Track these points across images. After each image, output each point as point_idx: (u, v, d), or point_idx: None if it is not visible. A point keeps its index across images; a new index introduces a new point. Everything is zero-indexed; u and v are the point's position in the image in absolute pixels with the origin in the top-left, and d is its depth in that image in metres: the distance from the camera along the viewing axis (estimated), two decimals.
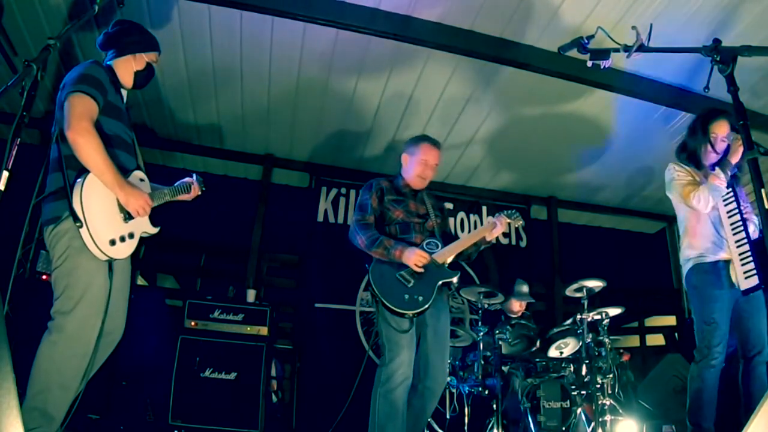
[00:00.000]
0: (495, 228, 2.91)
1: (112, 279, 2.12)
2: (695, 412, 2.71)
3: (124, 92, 2.37)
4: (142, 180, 2.29)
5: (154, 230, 2.33)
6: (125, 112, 2.32)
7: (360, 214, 2.87)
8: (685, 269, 2.96)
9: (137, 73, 2.36)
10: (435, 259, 2.73)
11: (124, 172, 2.17)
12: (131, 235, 2.19)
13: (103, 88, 2.14)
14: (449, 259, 2.79)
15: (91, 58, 2.36)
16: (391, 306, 2.62)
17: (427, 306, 2.63)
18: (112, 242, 2.10)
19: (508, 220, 3.00)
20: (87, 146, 2.01)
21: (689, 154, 2.97)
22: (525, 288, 4.49)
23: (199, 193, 2.58)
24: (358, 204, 2.94)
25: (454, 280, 2.76)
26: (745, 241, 2.67)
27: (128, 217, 2.17)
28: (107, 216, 2.11)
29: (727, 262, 2.77)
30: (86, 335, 2.05)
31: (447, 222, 3.14)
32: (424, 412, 2.74)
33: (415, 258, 2.67)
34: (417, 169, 2.94)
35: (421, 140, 3.01)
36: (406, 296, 2.64)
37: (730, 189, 2.78)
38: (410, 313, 2.61)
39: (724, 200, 2.80)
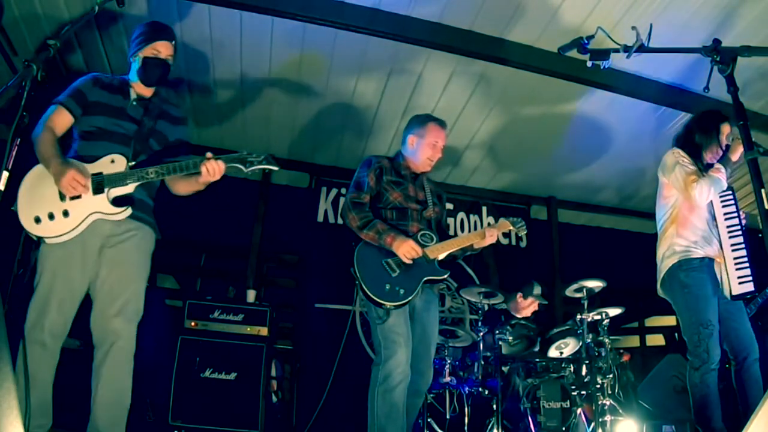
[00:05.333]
0: (485, 238, 2.81)
1: (53, 262, 2.18)
2: (705, 416, 2.66)
3: (133, 92, 2.46)
4: (112, 162, 2.28)
5: (115, 210, 2.23)
6: (120, 108, 2.40)
7: (355, 191, 2.73)
8: (668, 262, 2.82)
9: (138, 72, 2.44)
10: (427, 253, 2.64)
11: (96, 158, 2.26)
12: (65, 213, 2.17)
13: (76, 93, 2.34)
14: (441, 256, 2.70)
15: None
16: (369, 292, 2.51)
17: (407, 300, 2.53)
18: (37, 219, 2.16)
19: (510, 227, 2.93)
20: (37, 143, 2.21)
21: (693, 149, 2.90)
22: (539, 290, 4.49)
23: (219, 166, 2.29)
24: (355, 181, 2.79)
25: (443, 278, 2.68)
26: (743, 245, 2.64)
27: (65, 196, 2.18)
28: (38, 196, 2.18)
29: (712, 260, 2.75)
30: (39, 322, 2.14)
31: (444, 211, 3.03)
32: (413, 409, 2.69)
33: (405, 248, 2.55)
34: (426, 152, 2.83)
35: (428, 120, 2.89)
36: (387, 286, 2.52)
37: (730, 190, 2.77)
38: (388, 304, 2.50)
39: (722, 200, 2.76)
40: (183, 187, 2.47)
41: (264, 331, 3.85)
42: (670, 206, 2.90)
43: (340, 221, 5.37)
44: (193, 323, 3.76)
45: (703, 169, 2.81)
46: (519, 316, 4.42)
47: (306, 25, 3.60)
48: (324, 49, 3.90)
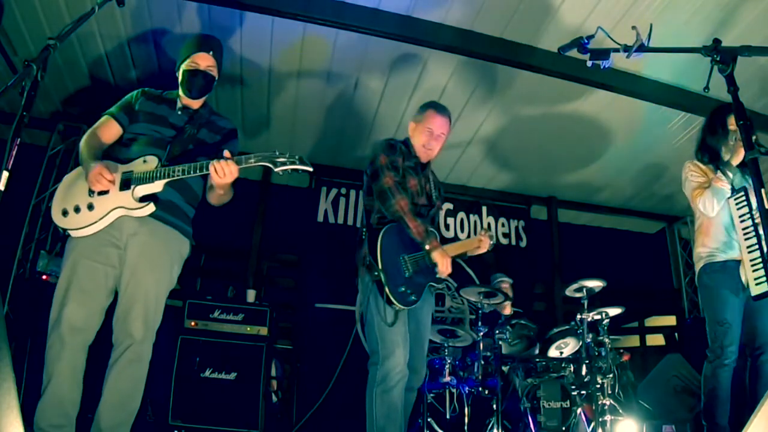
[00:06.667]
0: (478, 249, 2.88)
1: (75, 254, 2.18)
2: (710, 411, 2.74)
3: (179, 102, 2.52)
4: (144, 162, 2.29)
5: (138, 205, 2.21)
6: (162, 117, 2.45)
7: (394, 174, 2.65)
8: (696, 267, 2.99)
9: (180, 85, 2.51)
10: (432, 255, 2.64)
11: (131, 160, 2.30)
12: (90, 206, 2.21)
13: (126, 104, 2.46)
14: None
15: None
16: (387, 287, 2.45)
17: (413, 306, 2.56)
18: (64, 212, 2.23)
19: (490, 242, 2.95)
20: (80, 146, 2.36)
21: (711, 154, 2.96)
22: (497, 275, 4.52)
23: (229, 167, 2.14)
24: (390, 163, 2.68)
25: (440, 285, 2.72)
26: (757, 246, 2.66)
27: (93, 191, 2.23)
28: (71, 192, 2.27)
29: (738, 262, 2.78)
30: (60, 315, 2.10)
31: (440, 206, 3.03)
32: (407, 404, 2.68)
33: (445, 265, 2.56)
34: (422, 138, 2.78)
35: (427, 107, 2.85)
36: (402, 288, 2.50)
37: (742, 192, 2.78)
38: (399, 306, 2.49)
39: (737, 203, 2.79)
40: (212, 197, 2.44)
41: (264, 331, 3.85)
42: (697, 217, 3.04)
43: (340, 221, 5.37)
44: (193, 323, 3.75)
45: (722, 168, 2.88)
46: (508, 311, 4.41)
47: (306, 25, 3.60)
48: (324, 49, 3.91)
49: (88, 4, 3.36)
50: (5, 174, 1.51)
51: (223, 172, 2.14)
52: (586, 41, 1.97)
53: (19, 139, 1.57)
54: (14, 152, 1.55)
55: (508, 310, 4.48)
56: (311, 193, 5.44)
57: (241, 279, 5.04)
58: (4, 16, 3.44)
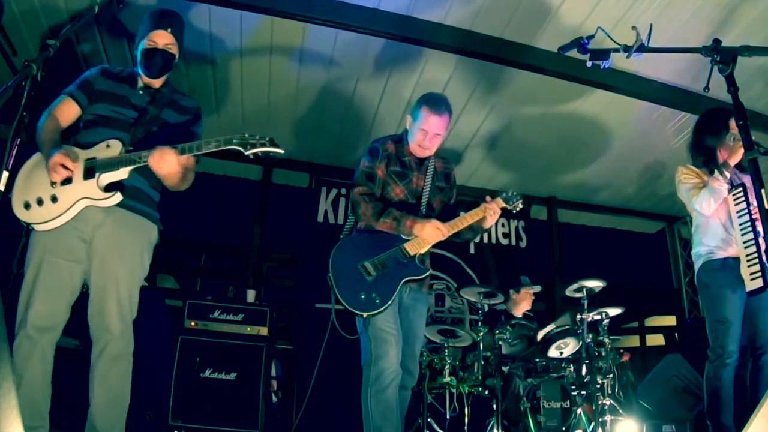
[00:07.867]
0: (486, 217, 2.68)
1: (40, 251, 2.10)
2: (714, 411, 2.75)
3: (140, 81, 2.39)
4: (107, 147, 2.20)
5: (104, 195, 2.13)
6: (123, 97, 2.34)
7: (368, 185, 2.61)
8: (695, 266, 3.00)
9: (139, 64, 2.38)
10: (406, 248, 2.56)
11: (93, 144, 2.20)
12: (54, 198, 2.10)
13: (84, 82, 2.32)
14: (424, 250, 2.60)
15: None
16: (344, 302, 2.46)
17: (385, 307, 2.45)
18: (26, 205, 2.11)
19: (504, 204, 2.75)
20: (39, 131, 2.19)
21: (707, 156, 2.97)
22: (527, 280, 4.52)
23: (168, 155, 2.10)
24: (364, 172, 2.65)
25: (424, 276, 2.58)
26: (753, 242, 2.67)
27: (55, 181, 2.11)
28: (32, 183, 2.13)
29: (737, 259, 2.79)
30: (25, 315, 2.04)
31: (452, 192, 2.88)
32: (401, 402, 2.64)
33: (432, 232, 2.48)
34: (416, 137, 2.68)
35: (422, 104, 2.68)
36: (363, 295, 2.46)
37: (741, 188, 2.79)
38: (364, 314, 2.44)
39: (734, 198, 2.81)
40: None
41: (264, 331, 3.85)
42: (694, 218, 3.07)
43: (340, 221, 5.37)
44: (193, 323, 3.76)
45: (719, 168, 2.88)
46: (519, 314, 4.43)
47: (306, 25, 3.60)
48: (324, 49, 3.90)
49: (87, 4, 3.36)
50: (5, 174, 1.52)
51: (157, 159, 2.08)
52: (585, 41, 1.97)
53: (19, 139, 1.57)
54: (14, 152, 1.56)
55: (518, 312, 4.48)
56: (311, 193, 5.44)
57: (241, 279, 5.04)
58: (4, 16, 3.44)
